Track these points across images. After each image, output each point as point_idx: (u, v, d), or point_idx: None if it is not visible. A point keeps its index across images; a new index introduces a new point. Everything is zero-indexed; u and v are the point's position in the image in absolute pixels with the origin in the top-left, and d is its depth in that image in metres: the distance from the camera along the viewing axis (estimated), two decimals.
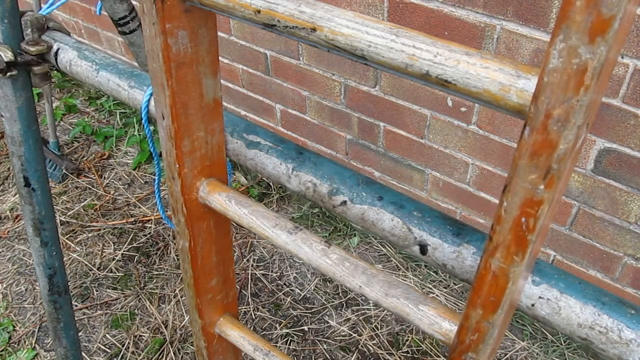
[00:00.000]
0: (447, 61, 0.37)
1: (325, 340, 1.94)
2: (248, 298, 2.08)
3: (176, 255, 2.25)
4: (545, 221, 0.38)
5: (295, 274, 2.17)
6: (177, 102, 0.56)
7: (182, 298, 2.08)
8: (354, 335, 1.94)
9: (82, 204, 2.49)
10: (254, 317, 2.01)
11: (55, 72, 1.19)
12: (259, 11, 0.44)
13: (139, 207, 2.47)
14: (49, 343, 1.97)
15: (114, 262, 2.23)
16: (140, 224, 2.39)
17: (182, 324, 1.99)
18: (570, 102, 0.31)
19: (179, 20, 0.52)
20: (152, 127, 2.29)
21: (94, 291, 2.13)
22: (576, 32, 0.29)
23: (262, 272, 2.18)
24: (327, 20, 0.41)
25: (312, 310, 2.03)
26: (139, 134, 2.81)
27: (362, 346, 1.91)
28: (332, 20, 0.41)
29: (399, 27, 0.40)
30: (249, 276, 2.16)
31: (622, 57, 1.28)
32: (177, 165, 0.60)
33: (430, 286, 2.07)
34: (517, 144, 0.35)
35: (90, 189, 2.57)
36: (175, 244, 2.32)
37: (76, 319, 1.93)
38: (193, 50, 0.55)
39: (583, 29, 0.29)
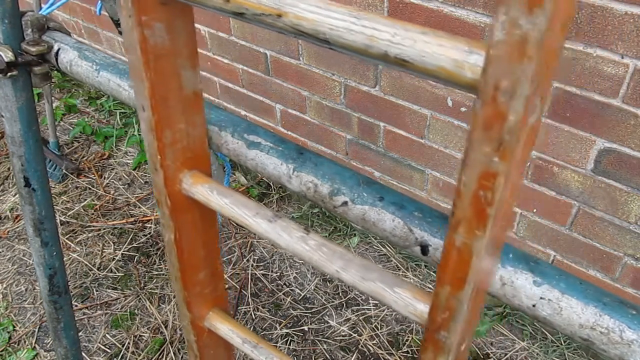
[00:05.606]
0: (404, 40, 0.38)
1: (325, 340, 1.94)
2: (248, 298, 2.08)
3: None
4: (505, 195, 0.38)
5: (295, 274, 2.17)
6: (156, 93, 0.56)
7: None
8: (354, 335, 1.94)
9: (82, 204, 2.49)
10: (254, 317, 2.01)
11: (56, 72, 1.19)
12: (228, 0, 0.45)
13: (139, 207, 2.47)
14: (49, 343, 1.97)
15: (114, 262, 2.23)
16: (140, 224, 2.39)
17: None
18: (515, 72, 0.33)
19: (154, 12, 0.52)
20: None
21: (94, 291, 2.13)
22: (516, 4, 0.31)
23: (262, 272, 2.18)
24: (292, 6, 0.42)
25: (312, 310, 2.03)
26: (139, 134, 2.81)
27: (362, 346, 1.91)
28: (296, 5, 0.42)
29: (360, 11, 0.40)
30: (249, 276, 2.16)
31: (622, 57, 1.28)
32: (159, 157, 0.60)
33: (430, 286, 2.07)
34: (471, 118, 0.35)
35: (90, 189, 2.57)
36: None
37: (76, 319, 1.93)
38: (171, 42, 0.56)
39: (522, 1, 0.30)
